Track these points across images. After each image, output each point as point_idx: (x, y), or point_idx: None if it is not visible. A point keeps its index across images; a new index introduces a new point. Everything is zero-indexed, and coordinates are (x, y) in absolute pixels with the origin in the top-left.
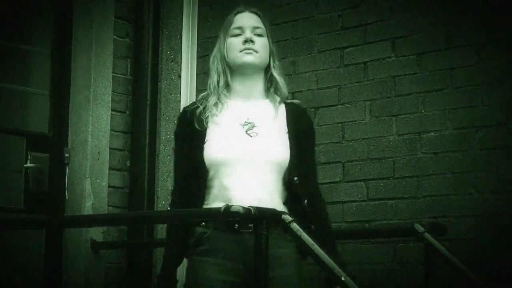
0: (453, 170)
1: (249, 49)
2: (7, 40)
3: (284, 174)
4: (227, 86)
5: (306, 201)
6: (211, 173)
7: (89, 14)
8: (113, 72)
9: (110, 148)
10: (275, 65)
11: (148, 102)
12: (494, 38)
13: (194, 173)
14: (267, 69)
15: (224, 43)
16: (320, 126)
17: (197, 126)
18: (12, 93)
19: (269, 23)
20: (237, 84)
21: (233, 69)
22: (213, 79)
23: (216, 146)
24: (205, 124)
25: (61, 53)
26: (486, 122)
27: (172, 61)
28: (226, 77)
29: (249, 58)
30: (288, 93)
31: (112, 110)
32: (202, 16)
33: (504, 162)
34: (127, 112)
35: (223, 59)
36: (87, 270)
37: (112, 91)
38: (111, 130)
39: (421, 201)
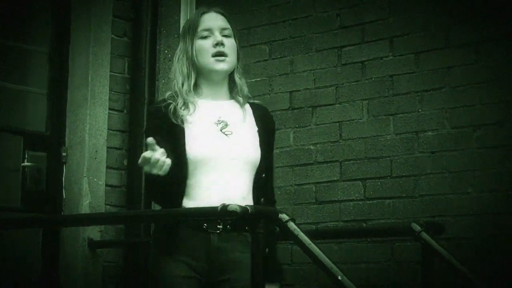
0: (450, 169)
1: (220, 53)
2: (5, 39)
3: (256, 172)
4: (194, 86)
5: (262, 199)
6: (189, 170)
7: (87, 13)
8: (110, 71)
9: (107, 147)
10: (238, 66)
11: (145, 101)
12: (492, 37)
13: (171, 170)
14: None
15: (192, 45)
16: (317, 125)
17: (173, 121)
18: (10, 92)
19: (235, 24)
20: (204, 87)
21: (200, 72)
22: (178, 81)
23: (198, 144)
24: (180, 121)
25: (59, 52)
26: (484, 121)
27: (170, 60)
28: (191, 80)
29: (221, 66)
30: (286, 92)
31: (109, 109)
32: None
33: (502, 161)
34: (125, 111)
35: (190, 61)
36: (84, 269)
37: (109, 90)
38: (108, 129)
39: (419, 200)
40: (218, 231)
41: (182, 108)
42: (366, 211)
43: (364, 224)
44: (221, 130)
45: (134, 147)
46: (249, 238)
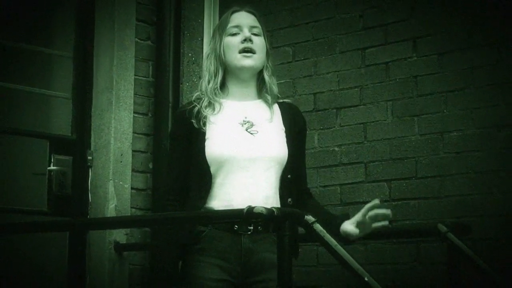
0: (475, 169)
1: (248, 49)
2: (30, 44)
3: (282, 171)
4: (221, 86)
5: (289, 199)
6: (212, 171)
7: (111, 17)
8: (135, 75)
9: (132, 150)
10: (268, 65)
11: (170, 104)
12: None
13: (195, 172)
14: (260, 70)
15: (221, 42)
16: (342, 126)
17: (195, 125)
18: (35, 97)
19: (263, 22)
20: (232, 86)
21: (228, 70)
22: (204, 80)
23: (218, 144)
24: (203, 123)
25: (83, 56)
26: (509, 121)
27: (194, 63)
28: (217, 78)
29: (248, 62)
30: (310, 93)
31: (134, 112)
32: None
33: None
34: (149, 114)
35: (218, 58)
36: (110, 272)
37: (134, 94)
38: (133, 132)
39: (444, 201)
40: (249, 232)
41: (207, 108)
42: (392, 212)
43: (389, 225)
44: (246, 130)
45: (159, 150)
46: (274, 236)
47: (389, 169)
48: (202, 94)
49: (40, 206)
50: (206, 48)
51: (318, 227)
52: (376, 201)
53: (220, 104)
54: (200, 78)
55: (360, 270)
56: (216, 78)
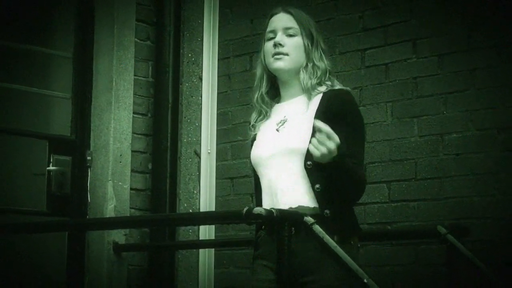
0: (475, 171)
1: (278, 53)
2: (30, 44)
3: (304, 160)
4: (276, 90)
5: (317, 186)
6: (257, 173)
7: (110, 18)
8: (134, 75)
9: (132, 151)
10: (308, 63)
11: (169, 105)
12: None
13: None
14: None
15: (262, 48)
16: None
17: (251, 132)
18: (35, 97)
19: (307, 18)
20: (281, 89)
21: (274, 74)
22: (254, 86)
23: (252, 149)
24: (254, 130)
25: (83, 56)
26: (509, 123)
27: (193, 64)
28: (263, 84)
29: (278, 65)
30: None
31: (133, 112)
32: (223, 18)
33: None
34: (149, 115)
35: (262, 64)
36: (109, 272)
37: (133, 94)
38: (132, 132)
39: (443, 203)
40: (292, 233)
41: (256, 116)
42: (391, 214)
43: (388, 227)
44: (277, 129)
45: (158, 151)
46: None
47: (389, 170)
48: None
49: (39, 206)
50: (206, 49)
51: (317, 228)
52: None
53: (268, 110)
54: (200, 78)
55: (359, 272)
56: (261, 85)
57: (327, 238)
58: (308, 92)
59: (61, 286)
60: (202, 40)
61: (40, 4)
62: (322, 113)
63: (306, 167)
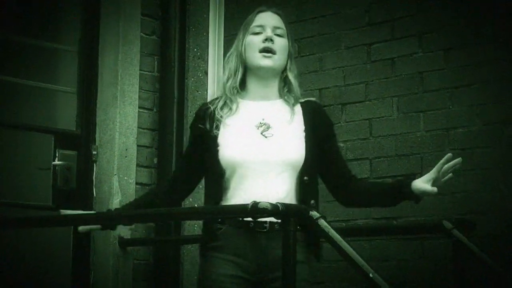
0: (481, 166)
1: (268, 49)
2: (35, 39)
3: (298, 174)
4: (241, 85)
5: (312, 201)
6: (227, 174)
7: (116, 12)
8: (140, 70)
9: (137, 145)
10: (291, 67)
11: (175, 99)
12: None
13: (210, 176)
14: (282, 71)
15: (243, 40)
16: (347, 122)
17: (207, 127)
18: (40, 91)
19: (289, 22)
20: (252, 85)
21: (249, 69)
22: (224, 78)
23: (231, 148)
24: (215, 126)
25: (88, 51)
26: None
27: (199, 58)
28: (237, 77)
29: (267, 63)
30: (315, 89)
31: (139, 107)
32: (229, 13)
33: None
34: (154, 110)
35: (239, 56)
36: (115, 267)
37: (139, 89)
38: (138, 127)
39: (449, 198)
40: (264, 230)
41: (222, 109)
42: (397, 208)
43: (394, 222)
44: (261, 133)
45: (164, 146)
46: (298, 236)
47: (395, 165)
48: (221, 93)
49: (44, 200)
50: (211, 44)
51: (323, 222)
52: (449, 155)
53: (237, 104)
54: (205, 73)
55: (365, 267)
56: (236, 77)
57: (333, 232)
58: (296, 100)
59: (67, 280)
60: (207, 35)
61: None
62: (311, 129)
63: (302, 181)
